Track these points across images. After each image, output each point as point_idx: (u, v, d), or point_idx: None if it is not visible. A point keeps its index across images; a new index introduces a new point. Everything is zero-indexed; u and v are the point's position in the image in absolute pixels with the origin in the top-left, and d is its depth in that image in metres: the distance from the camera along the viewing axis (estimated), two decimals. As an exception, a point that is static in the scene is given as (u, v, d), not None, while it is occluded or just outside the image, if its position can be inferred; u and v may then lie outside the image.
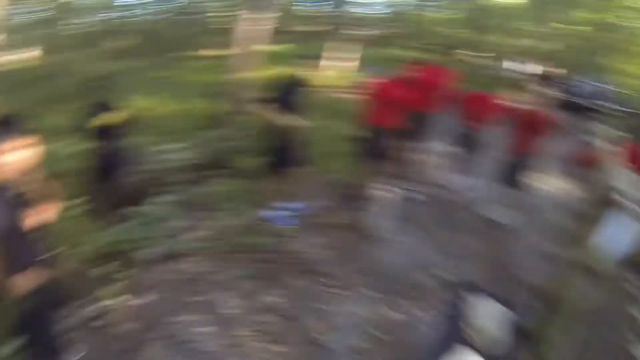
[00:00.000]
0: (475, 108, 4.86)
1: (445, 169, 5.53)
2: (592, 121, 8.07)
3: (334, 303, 3.49)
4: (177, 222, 4.19)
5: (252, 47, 6.27)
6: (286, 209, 4.45)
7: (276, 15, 6.64)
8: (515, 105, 4.66)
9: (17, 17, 12.20)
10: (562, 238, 3.22)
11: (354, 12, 16.09)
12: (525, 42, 14.09)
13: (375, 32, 16.44)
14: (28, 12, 12.88)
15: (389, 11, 19.32)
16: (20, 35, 11.71)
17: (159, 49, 13.79)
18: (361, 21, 15.72)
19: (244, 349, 2.97)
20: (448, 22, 17.09)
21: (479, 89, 5.04)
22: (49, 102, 7.53)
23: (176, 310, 3.25)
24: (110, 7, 15.53)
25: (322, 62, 11.53)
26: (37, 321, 2.34)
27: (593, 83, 9.61)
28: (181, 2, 17.33)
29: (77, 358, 2.73)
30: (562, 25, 13.23)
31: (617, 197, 2.48)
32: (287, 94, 4.15)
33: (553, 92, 5.37)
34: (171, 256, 3.77)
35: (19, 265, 2.15)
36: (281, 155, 4.28)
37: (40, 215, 2.23)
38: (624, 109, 8.46)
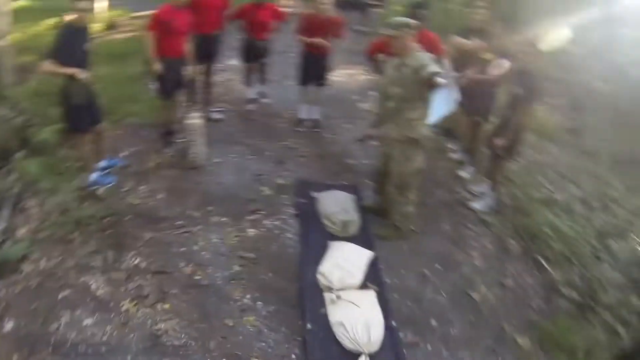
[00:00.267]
0: (257, 18, 4.78)
1: (244, 82, 5.49)
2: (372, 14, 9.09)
3: (191, 242, 3.38)
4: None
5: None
6: (104, 168, 3.99)
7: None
8: (295, 9, 4.78)
9: None
10: (374, 121, 3.66)
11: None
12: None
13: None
14: None
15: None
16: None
17: None
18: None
19: (134, 319, 2.72)
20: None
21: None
22: None
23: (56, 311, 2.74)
24: None
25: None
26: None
27: None
28: None
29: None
30: None
31: (429, 75, 2.91)
32: (65, 46, 3.36)
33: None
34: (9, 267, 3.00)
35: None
36: (78, 114, 3.59)
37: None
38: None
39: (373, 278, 2.98)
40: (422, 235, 3.60)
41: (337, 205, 3.60)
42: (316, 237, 3.39)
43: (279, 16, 4.92)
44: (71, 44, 3.35)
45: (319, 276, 2.94)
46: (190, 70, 4.34)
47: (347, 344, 2.49)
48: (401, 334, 2.68)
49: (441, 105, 2.91)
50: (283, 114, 5.42)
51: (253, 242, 3.40)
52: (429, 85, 2.87)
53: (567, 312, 2.97)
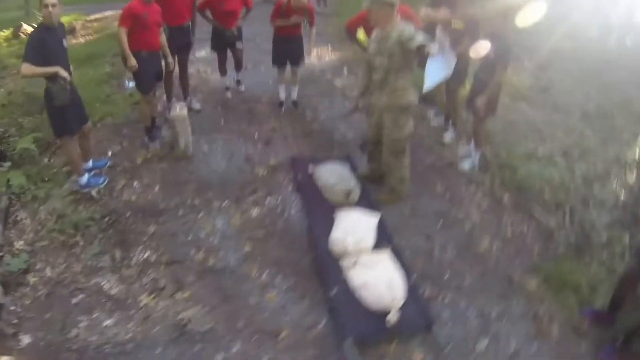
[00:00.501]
0: (225, 7, 4.68)
1: (219, 71, 5.35)
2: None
3: (197, 230, 3.33)
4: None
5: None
6: (92, 169, 3.86)
7: None
8: None
9: None
10: (360, 93, 3.68)
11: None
12: None
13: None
14: None
15: None
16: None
17: None
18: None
19: (155, 312, 2.66)
20: None
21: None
22: None
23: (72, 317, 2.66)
24: None
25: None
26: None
27: None
28: None
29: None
30: None
31: (419, 45, 2.95)
32: (40, 46, 3.19)
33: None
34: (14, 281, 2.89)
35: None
36: (64, 115, 3.43)
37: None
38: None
39: (383, 239, 3.04)
40: (419, 198, 3.67)
41: (335, 176, 3.61)
42: (320, 208, 3.40)
43: (247, 3, 4.85)
44: (47, 43, 3.16)
45: (332, 244, 2.96)
46: (168, 62, 4.22)
47: (373, 303, 2.53)
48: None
49: (436, 71, 2.97)
50: (262, 98, 5.34)
51: (258, 222, 3.38)
52: (420, 55, 2.91)
53: (566, 255, 3.12)
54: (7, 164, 3.93)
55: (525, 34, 5.06)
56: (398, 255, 2.90)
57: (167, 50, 4.19)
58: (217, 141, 4.41)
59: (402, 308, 2.51)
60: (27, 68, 3.12)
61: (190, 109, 4.65)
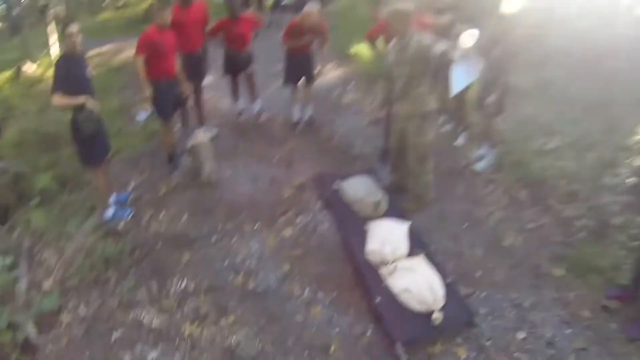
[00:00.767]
0: (236, 31, 4.86)
1: (231, 96, 5.54)
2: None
3: (233, 254, 3.43)
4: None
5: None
6: (117, 202, 3.94)
7: None
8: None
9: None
10: (382, 102, 3.83)
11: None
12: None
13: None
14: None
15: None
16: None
17: None
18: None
19: (202, 340, 2.72)
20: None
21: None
22: None
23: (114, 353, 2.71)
24: None
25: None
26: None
27: None
28: None
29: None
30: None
31: (441, 53, 3.10)
32: (67, 76, 3.36)
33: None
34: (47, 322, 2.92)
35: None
36: (92, 145, 3.59)
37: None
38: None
39: (416, 245, 3.14)
40: (442, 202, 3.80)
41: (362, 189, 3.74)
42: (351, 222, 3.52)
43: (256, 25, 5.05)
44: (72, 73, 3.33)
45: (370, 255, 3.07)
46: (183, 89, 4.35)
47: (416, 306, 2.64)
48: (456, 288, 2.85)
49: (462, 76, 3.11)
50: (277, 119, 5.52)
51: (293, 241, 3.49)
52: (443, 62, 3.04)
53: (586, 240, 3.26)
54: (35, 200, 3.98)
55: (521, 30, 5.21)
56: (431, 259, 3.02)
57: (183, 77, 4.33)
58: (239, 166, 4.56)
59: (444, 307, 2.61)
60: (58, 99, 3.28)
61: (212, 133, 4.81)
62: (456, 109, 4.71)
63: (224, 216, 3.80)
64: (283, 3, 10.39)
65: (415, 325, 2.57)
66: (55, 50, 9.26)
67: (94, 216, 3.78)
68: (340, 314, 2.81)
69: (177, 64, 4.24)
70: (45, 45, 9.52)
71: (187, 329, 2.79)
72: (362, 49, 7.22)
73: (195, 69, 4.67)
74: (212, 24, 4.88)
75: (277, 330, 2.74)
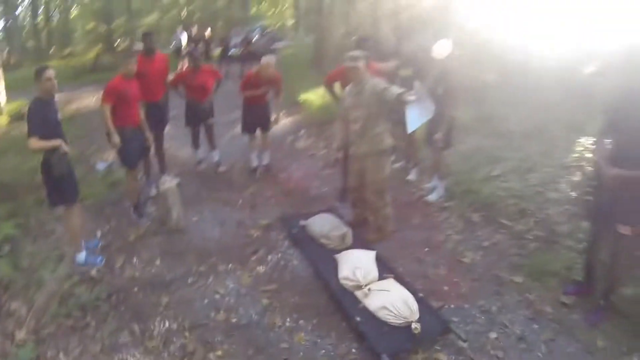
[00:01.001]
0: (197, 81, 5.21)
1: (192, 145, 5.80)
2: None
3: (211, 293, 3.56)
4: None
5: None
6: (89, 248, 4.00)
7: None
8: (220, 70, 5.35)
9: None
10: (339, 145, 4.28)
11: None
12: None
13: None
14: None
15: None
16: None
17: None
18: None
19: None
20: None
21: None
22: None
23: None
24: None
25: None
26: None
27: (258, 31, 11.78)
28: None
29: None
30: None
31: (396, 96, 3.60)
32: (41, 119, 3.51)
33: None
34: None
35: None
36: (64, 185, 3.69)
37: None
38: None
39: (384, 269, 3.50)
40: (402, 232, 4.22)
41: (327, 224, 4.08)
42: (321, 255, 3.82)
43: (216, 77, 5.43)
44: (46, 117, 3.46)
45: (343, 281, 3.37)
46: (146, 137, 4.52)
47: (394, 321, 2.94)
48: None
49: (416, 116, 3.63)
50: (235, 166, 5.81)
51: (267, 277, 3.70)
52: (398, 104, 3.56)
53: (539, 250, 3.80)
54: (3, 250, 3.90)
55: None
56: (400, 280, 3.37)
57: (146, 126, 4.52)
58: (204, 211, 4.75)
59: (420, 319, 2.94)
60: (35, 142, 3.39)
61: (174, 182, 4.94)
62: (406, 147, 5.31)
63: (197, 259, 3.93)
64: (229, 54, 11.04)
65: (396, 338, 2.84)
66: (2, 97, 8.96)
67: (64, 263, 3.79)
68: (323, 338, 3.02)
69: (140, 112, 4.45)
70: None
71: (176, 367, 2.88)
72: (310, 97, 7.84)
73: (157, 118, 4.91)
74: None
75: (265, 359, 2.91)
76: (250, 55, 11.42)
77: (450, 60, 4.43)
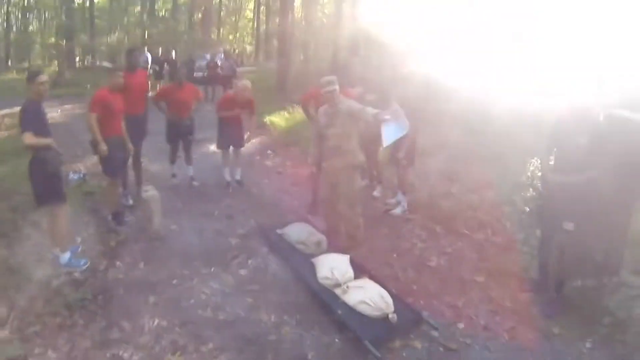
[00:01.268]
0: (178, 98, 5.51)
1: (169, 159, 6.06)
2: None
3: (197, 293, 3.78)
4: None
5: None
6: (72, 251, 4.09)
7: None
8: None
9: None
10: (314, 160, 4.71)
11: None
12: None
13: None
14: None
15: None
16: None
17: None
18: None
19: None
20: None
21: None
22: None
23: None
24: None
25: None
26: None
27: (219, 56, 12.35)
28: None
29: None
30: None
31: (372, 115, 4.06)
32: (35, 119, 3.69)
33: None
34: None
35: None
36: (55, 183, 3.84)
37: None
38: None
39: (359, 270, 3.90)
40: (372, 240, 4.67)
41: (304, 232, 4.46)
42: (298, 259, 4.17)
43: (197, 95, 5.73)
44: (39, 117, 3.65)
45: (322, 280, 3.73)
46: (127, 148, 4.73)
47: (372, 313, 3.33)
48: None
49: (392, 132, 4.14)
50: (207, 182, 6.06)
51: (250, 279, 3.98)
52: (374, 123, 4.04)
53: (498, 254, 4.36)
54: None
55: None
56: (374, 279, 3.77)
57: (127, 137, 4.73)
58: (182, 221, 4.97)
59: (395, 311, 3.34)
60: (30, 137, 3.54)
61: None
62: (370, 167, 5.82)
63: (179, 263, 4.14)
64: (195, 75, 11.39)
65: (376, 327, 3.23)
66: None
67: (46, 264, 3.86)
68: (307, 330, 3.34)
69: (122, 123, 4.67)
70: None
71: (171, 359, 3.05)
72: (275, 119, 8.28)
73: (137, 131, 5.11)
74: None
75: (256, 350, 3.15)
76: (216, 77, 11.83)
77: (409, 88, 5.05)
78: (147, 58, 12.30)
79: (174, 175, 5.97)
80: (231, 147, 5.88)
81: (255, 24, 32.91)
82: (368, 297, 3.42)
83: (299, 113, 8.16)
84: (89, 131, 4.43)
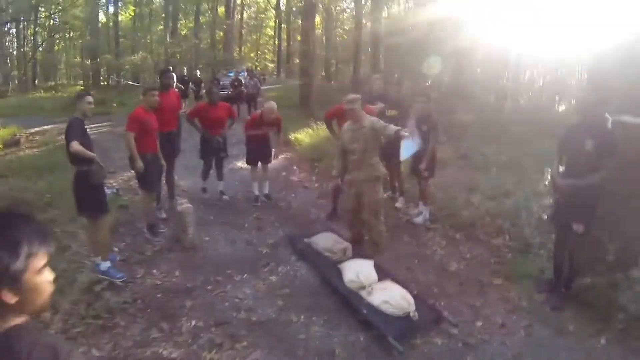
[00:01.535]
0: (212, 116, 5.98)
1: (202, 175, 6.54)
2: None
3: (231, 297, 4.14)
4: None
5: None
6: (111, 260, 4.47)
7: None
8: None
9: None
10: (338, 173, 5.06)
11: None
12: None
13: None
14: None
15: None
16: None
17: None
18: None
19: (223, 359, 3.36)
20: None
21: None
22: None
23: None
24: None
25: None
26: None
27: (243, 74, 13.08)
28: None
29: None
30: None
31: (394, 132, 4.42)
32: (81, 133, 4.12)
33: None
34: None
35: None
36: (99, 195, 4.28)
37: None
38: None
39: (382, 274, 4.20)
40: (394, 248, 4.97)
41: (330, 241, 4.79)
42: (326, 265, 4.49)
43: (232, 114, 6.23)
44: (84, 131, 4.10)
45: (349, 283, 4.04)
46: (161, 164, 5.18)
47: (395, 312, 3.62)
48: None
49: (408, 147, 4.51)
50: (236, 196, 6.49)
51: (280, 284, 4.32)
52: (395, 139, 4.40)
53: (514, 258, 4.60)
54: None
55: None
56: (396, 281, 4.07)
57: (161, 154, 5.18)
58: (214, 232, 5.38)
59: (416, 310, 3.62)
60: (77, 145, 3.94)
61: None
62: (393, 179, 6.15)
63: (213, 271, 4.52)
64: (220, 93, 12.10)
65: (399, 325, 3.51)
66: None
67: (87, 271, 4.26)
68: (334, 329, 3.64)
69: (156, 140, 5.11)
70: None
71: (207, 356, 3.37)
72: (299, 136, 8.71)
73: (171, 147, 5.57)
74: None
75: (286, 347, 3.47)
76: (240, 96, 12.42)
77: (431, 103, 5.40)
78: (173, 77, 13.00)
79: (204, 190, 6.43)
80: (259, 163, 6.30)
81: (277, 41, 34.00)
82: (391, 297, 3.71)
83: (322, 130, 8.60)
84: (125, 148, 4.91)
